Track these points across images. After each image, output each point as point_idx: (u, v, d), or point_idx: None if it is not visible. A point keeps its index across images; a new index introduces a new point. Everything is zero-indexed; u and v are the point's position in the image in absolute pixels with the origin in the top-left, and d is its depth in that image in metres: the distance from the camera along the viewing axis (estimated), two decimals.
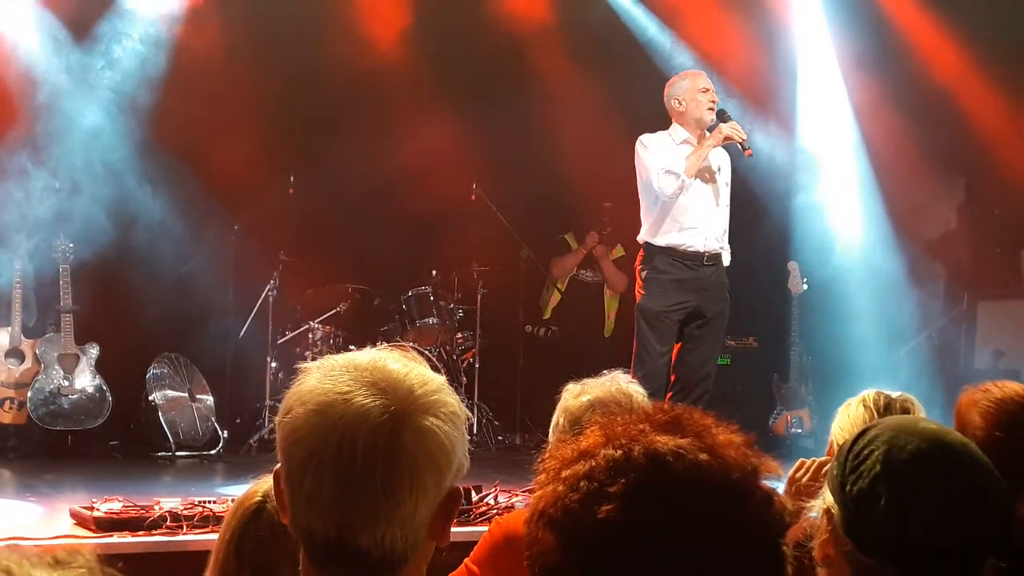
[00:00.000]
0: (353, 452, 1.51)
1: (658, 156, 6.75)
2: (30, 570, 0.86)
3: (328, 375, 1.59)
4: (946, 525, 1.61)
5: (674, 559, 1.15)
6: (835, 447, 3.17)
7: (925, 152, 9.41)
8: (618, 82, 9.24)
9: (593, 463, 1.22)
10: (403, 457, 1.52)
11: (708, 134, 6.79)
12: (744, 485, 1.21)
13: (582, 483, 1.21)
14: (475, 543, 3.11)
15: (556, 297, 9.83)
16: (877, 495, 1.63)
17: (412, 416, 1.54)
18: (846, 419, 3.16)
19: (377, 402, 1.54)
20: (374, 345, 1.72)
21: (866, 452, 1.67)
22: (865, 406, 3.15)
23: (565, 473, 1.24)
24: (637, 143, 6.87)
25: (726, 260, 6.98)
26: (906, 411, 3.10)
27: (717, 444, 1.23)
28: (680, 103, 6.88)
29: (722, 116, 6.82)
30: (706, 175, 6.82)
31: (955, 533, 1.61)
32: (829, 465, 1.77)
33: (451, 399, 1.61)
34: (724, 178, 6.95)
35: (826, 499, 1.71)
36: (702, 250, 6.78)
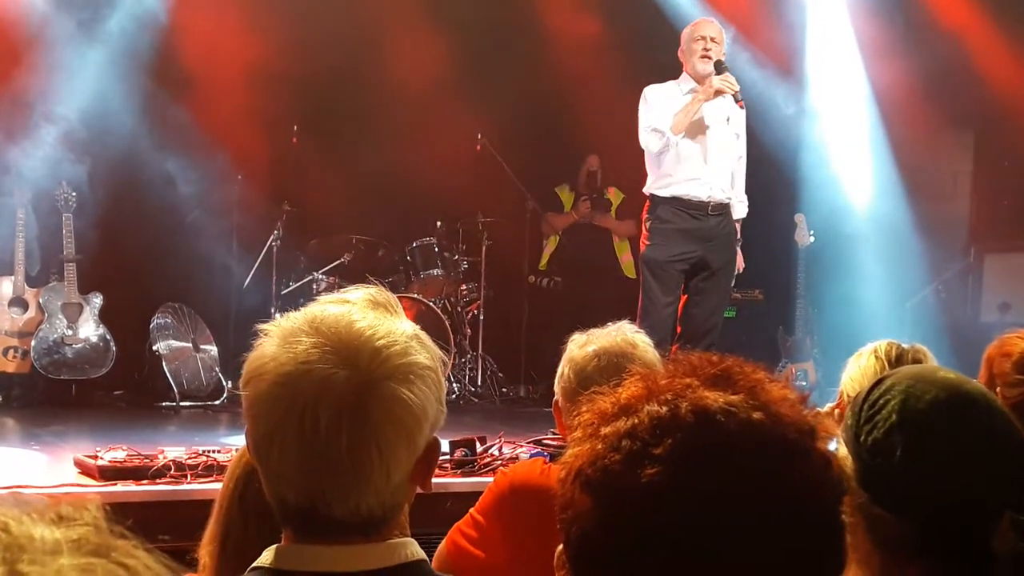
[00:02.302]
0: (317, 426, 1.45)
1: (650, 112, 6.73)
2: (30, 527, 0.81)
3: (288, 340, 1.51)
4: (963, 476, 1.57)
5: (724, 525, 1.08)
6: (844, 397, 3.15)
7: (934, 104, 9.35)
8: (627, 30, 9.17)
9: (636, 420, 1.13)
10: (369, 428, 1.47)
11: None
12: (801, 446, 1.13)
13: (624, 442, 1.12)
14: (480, 493, 3.11)
15: (551, 246, 9.78)
16: (893, 446, 1.58)
17: (378, 384, 1.48)
18: (856, 369, 3.13)
19: (340, 371, 1.47)
20: None
21: (882, 402, 1.62)
22: (876, 357, 3.11)
23: (604, 430, 1.15)
24: (641, 96, 6.84)
25: (741, 212, 6.96)
26: (918, 362, 3.07)
27: (771, 401, 1.14)
28: (683, 53, 6.86)
29: (718, 68, 6.74)
30: (712, 126, 6.78)
31: (972, 484, 1.57)
32: (844, 414, 1.73)
33: (421, 356, 1.53)
34: (734, 128, 6.90)
35: (840, 450, 1.67)
36: (706, 200, 6.75)
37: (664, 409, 1.13)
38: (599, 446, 1.15)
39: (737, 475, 1.10)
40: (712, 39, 6.82)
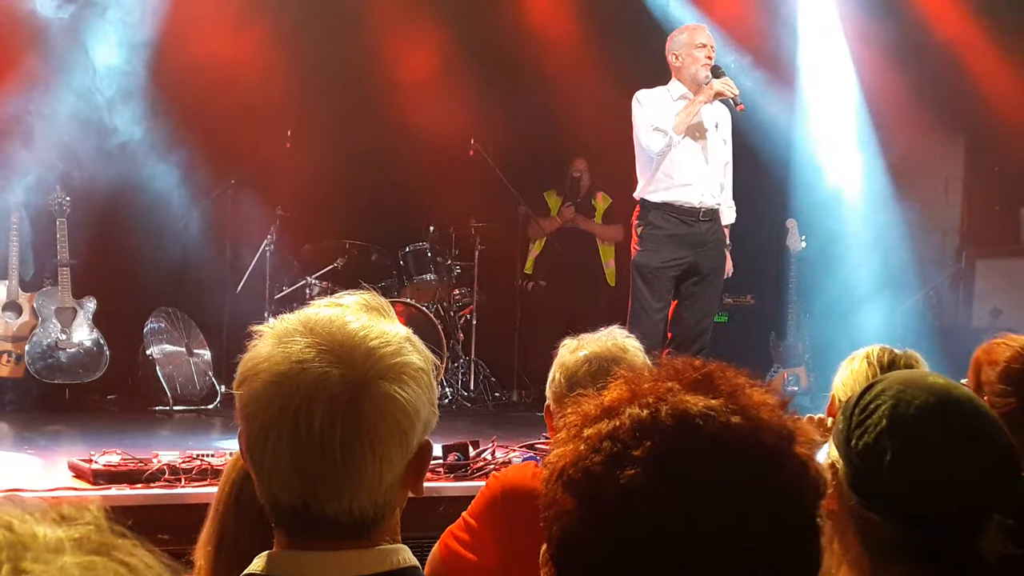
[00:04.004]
0: (311, 424, 1.46)
1: (649, 113, 6.73)
2: (34, 527, 0.82)
3: (283, 340, 1.52)
4: (952, 481, 1.59)
5: (701, 526, 1.10)
6: (836, 402, 3.16)
7: (926, 109, 9.38)
8: (617, 36, 9.19)
9: (617, 422, 1.16)
10: (363, 427, 1.48)
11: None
12: (778, 450, 1.15)
13: (605, 444, 1.15)
14: (472, 497, 3.12)
15: (537, 250, 9.78)
16: (883, 450, 1.61)
17: (371, 383, 1.49)
18: (848, 374, 3.14)
19: (334, 371, 1.48)
20: None
21: (872, 406, 1.65)
22: (868, 362, 3.12)
23: (587, 432, 1.17)
24: (633, 99, 6.84)
25: (730, 218, 6.97)
26: (910, 367, 3.07)
27: (751, 405, 1.16)
28: (677, 58, 6.84)
29: (715, 72, 6.75)
30: (702, 131, 6.79)
31: (961, 489, 1.60)
32: (836, 419, 1.75)
33: (414, 356, 1.55)
34: (723, 134, 6.91)
35: (831, 454, 1.69)
36: (697, 206, 6.76)
37: (645, 412, 1.16)
38: (581, 447, 1.17)
39: (714, 477, 1.12)
40: (712, 47, 6.85)
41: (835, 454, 1.68)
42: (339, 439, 1.47)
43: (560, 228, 9.69)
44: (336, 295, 1.67)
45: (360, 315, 1.58)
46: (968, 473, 1.60)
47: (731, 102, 6.79)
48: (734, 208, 7.02)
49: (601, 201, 9.72)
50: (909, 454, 1.60)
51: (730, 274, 7.10)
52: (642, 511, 1.11)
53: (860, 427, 1.65)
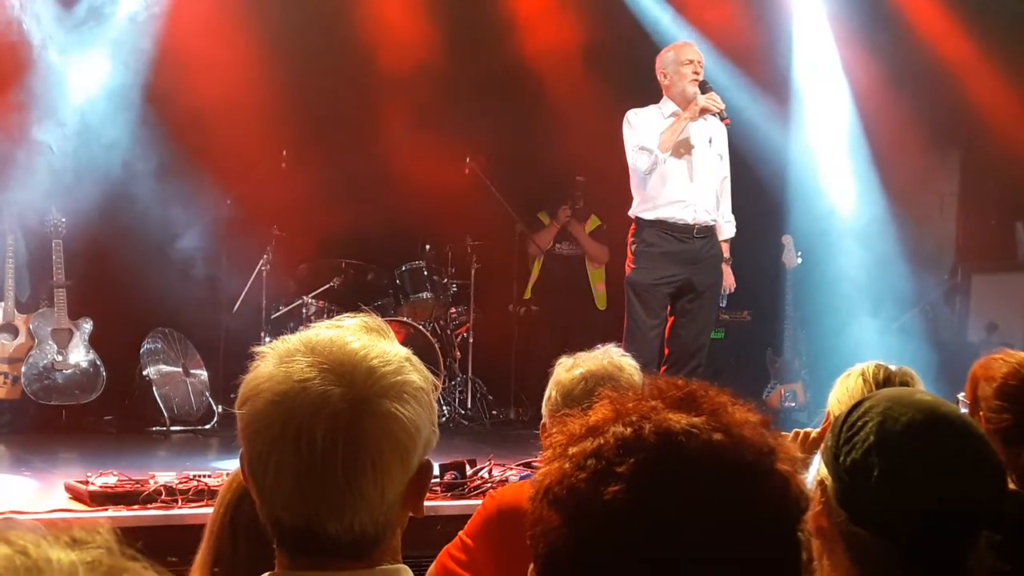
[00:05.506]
0: (312, 442, 1.47)
1: (638, 133, 6.77)
2: (47, 550, 0.84)
3: (284, 360, 1.54)
4: (938, 497, 1.60)
5: (684, 543, 1.12)
6: (832, 418, 3.17)
7: (921, 124, 9.40)
8: (615, 56, 9.22)
9: (602, 440, 1.17)
10: (364, 445, 1.49)
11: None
12: (759, 467, 1.16)
13: (589, 461, 1.17)
14: (470, 516, 3.12)
15: (535, 273, 9.79)
16: (870, 466, 1.62)
17: (372, 401, 1.50)
18: (843, 391, 3.15)
19: (335, 389, 1.49)
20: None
21: (860, 423, 1.66)
22: (864, 379, 3.13)
23: (572, 450, 1.19)
24: (624, 119, 6.88)
25: (729, 232, 7.00)
26: (905, 384, 3.08)
27: (733, 423, 1.18)
28: (666, 76, 6.90)
29: (703, 87, 6.79)
30: (695, 148, 6.82)
31: (948, 505, 1.61)
32: (825, 436, 1.76)
33: (414, 376, 1.56)
34: (718, 150, 6.94)
35: (820, 470, 1.70)
36: (691, 222, 6.79)
37: (629, 430, 1.17)
38: (566, 465, 1.18)
39: (696, 493, 1.13)
40: (699, 62, 6.88)
41: (824, 471, 1.70)
42: (341, 457, 1.48)
43: (555, 244, 9.69)
44: (336, 317, 1.68)
45: (360, 335, 1.59)
46: (955, 489, 1.61)
47: (718, 116, 6.82)
48: (733, 223, 7.04)
49: (590, 224, 9.75)
50: (896, 470, 1.61)
51: (732, 289, 7.12)
52: (626, 526, 1.13)
53: (848, 444, 1.66)
